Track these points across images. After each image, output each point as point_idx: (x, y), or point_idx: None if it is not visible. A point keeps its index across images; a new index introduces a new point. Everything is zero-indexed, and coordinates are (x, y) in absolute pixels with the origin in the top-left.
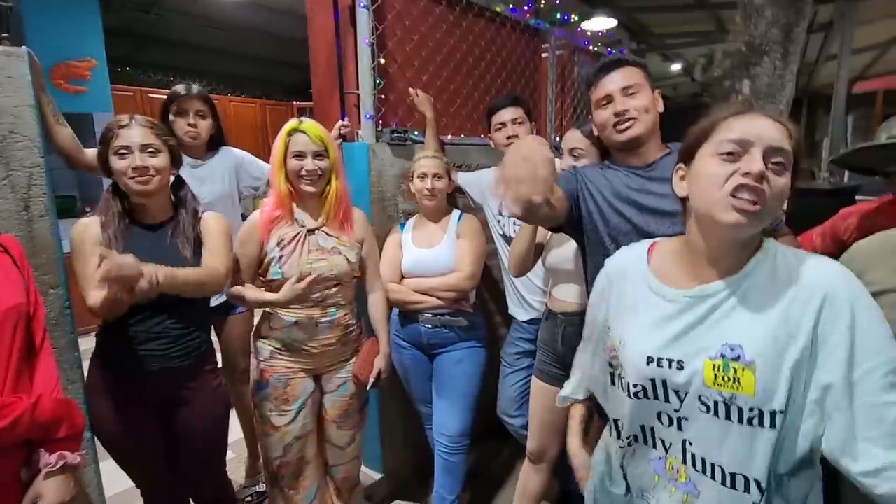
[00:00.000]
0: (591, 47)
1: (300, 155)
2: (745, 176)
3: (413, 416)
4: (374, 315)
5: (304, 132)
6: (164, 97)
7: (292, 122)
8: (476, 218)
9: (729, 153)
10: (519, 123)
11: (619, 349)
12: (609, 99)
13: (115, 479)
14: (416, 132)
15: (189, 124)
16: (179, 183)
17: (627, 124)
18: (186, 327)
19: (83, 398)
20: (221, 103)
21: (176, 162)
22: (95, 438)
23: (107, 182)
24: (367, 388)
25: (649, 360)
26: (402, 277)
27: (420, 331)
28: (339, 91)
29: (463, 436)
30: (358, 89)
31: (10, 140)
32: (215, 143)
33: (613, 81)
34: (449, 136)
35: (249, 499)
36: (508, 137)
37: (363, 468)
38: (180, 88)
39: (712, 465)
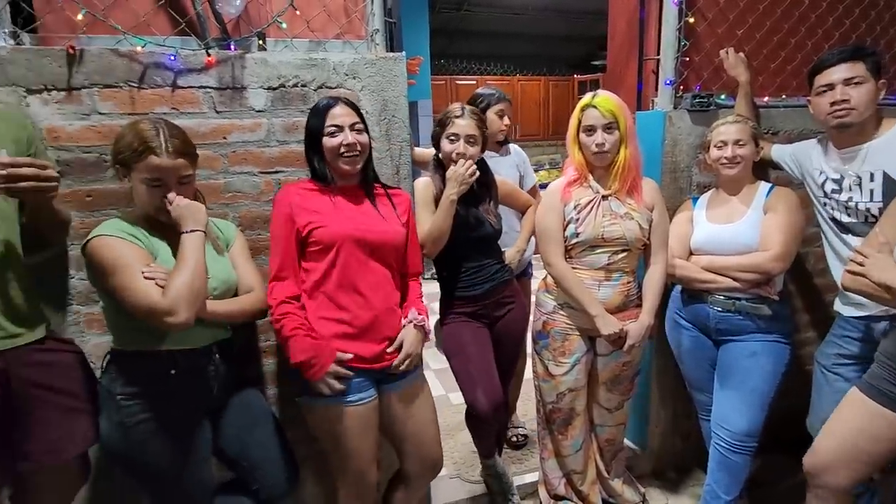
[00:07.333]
0: None
1: (590, 129)
2: None
3: (684, 400)
4: (647, 283)
5: (595, 107)
6: (471, 82)
7: (586, 98)
8: (794, 192)
9: None
10: (855, 84)
11: None
12: None
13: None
14: (723, 95)
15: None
16: (482, 164)
17: None
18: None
19: None
20: (511, 84)
21: (484, 148)
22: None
23: None
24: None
25: None
26: (691, 254)
27: (707, 313)
28: (638, 57)
29: (749, 436)
30: (658, 54)
31: (393, 122)
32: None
33: None
34: (766, 98)
35: (515, 439)
36: (834, 104)
37: (626, 441)
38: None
39: None
